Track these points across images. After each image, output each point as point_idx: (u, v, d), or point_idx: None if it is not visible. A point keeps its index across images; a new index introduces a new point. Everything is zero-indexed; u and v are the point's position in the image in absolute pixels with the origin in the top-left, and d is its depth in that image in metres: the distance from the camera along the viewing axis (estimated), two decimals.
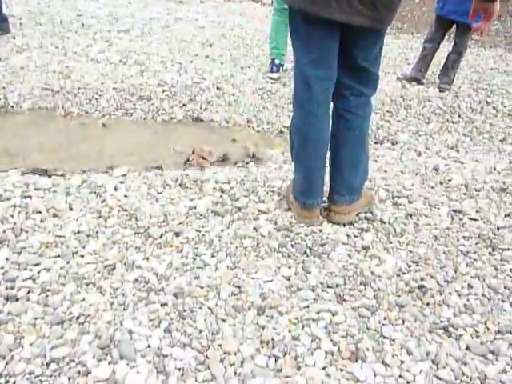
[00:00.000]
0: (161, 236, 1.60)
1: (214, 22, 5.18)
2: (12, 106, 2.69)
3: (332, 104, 1.67)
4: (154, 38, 4.20)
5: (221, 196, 1.88)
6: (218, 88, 3.20)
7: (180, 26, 4.81)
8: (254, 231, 1.67)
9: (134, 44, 3.95)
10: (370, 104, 1.67)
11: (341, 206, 1.73)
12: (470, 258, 1.63)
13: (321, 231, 1.70)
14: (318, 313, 1.34)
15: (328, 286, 1.45)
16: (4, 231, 1.54)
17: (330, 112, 1.65)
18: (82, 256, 1.48)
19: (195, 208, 1.77)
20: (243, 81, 3.40)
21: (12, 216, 1.63)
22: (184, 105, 2.95)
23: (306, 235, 1.67)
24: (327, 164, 1.71)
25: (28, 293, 1.33)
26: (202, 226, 1.68)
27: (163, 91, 3.03)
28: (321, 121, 1.61)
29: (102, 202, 1.76)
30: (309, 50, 1.51)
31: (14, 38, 3.71)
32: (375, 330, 1.31)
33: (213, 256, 1.54)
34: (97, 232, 1.59)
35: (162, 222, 1.67)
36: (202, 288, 1.40)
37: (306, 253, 1.59)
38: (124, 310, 1.30)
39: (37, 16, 4.40)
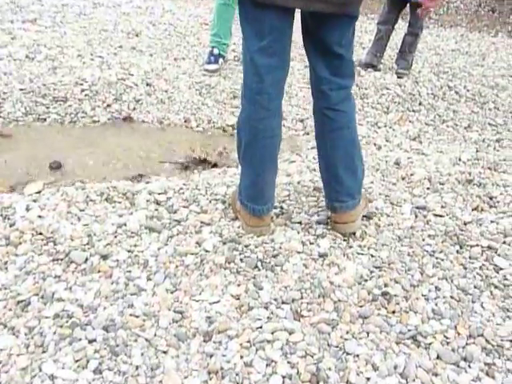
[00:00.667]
0: (85, 261, 1.58)
1: (140, 8, 5.16)
2: None
3: (313, 104, 1.73)
4: (68, 28, 4.14)
5: (156, 209, 1.87)
6: (147, 84, 3.20)
7: (99, 13, 4.76)
8: (196, 246, 1.68)
9: (44, 36, 3.87)
10: (351, 97, 1.72)
11: (345, 214, 1.76)
12: (436, 258, 1.72)
13: (273, 241, 1.73)
14: (272, 333, 1.37)
15: (283, 302, 1.48)
16: None
17: (282, 106, 1.69)
18: None
19: (125, 225, 1.76)
20: (177, 75, 3.41)
21: None
22: (108, 105, 2.92)
23: (256, 246, 1.70)
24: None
25: None
26: (135, 246, 1.67)
27: (82, 90, 2.98)
28: (272, 115, 1.64)
29: (11, 225, 1.71)
30: (259, 37, 1.53)
31: None
32: (337, 347, 1.35)
33: (149, 279, 1.53)
34: (5, 262, 1.55)
35: (86, 245, 1.65)
36: (137, 317, 1.39)
37: (256, 266, 1.62)
38: (43, 352, 1.27)
39: None
